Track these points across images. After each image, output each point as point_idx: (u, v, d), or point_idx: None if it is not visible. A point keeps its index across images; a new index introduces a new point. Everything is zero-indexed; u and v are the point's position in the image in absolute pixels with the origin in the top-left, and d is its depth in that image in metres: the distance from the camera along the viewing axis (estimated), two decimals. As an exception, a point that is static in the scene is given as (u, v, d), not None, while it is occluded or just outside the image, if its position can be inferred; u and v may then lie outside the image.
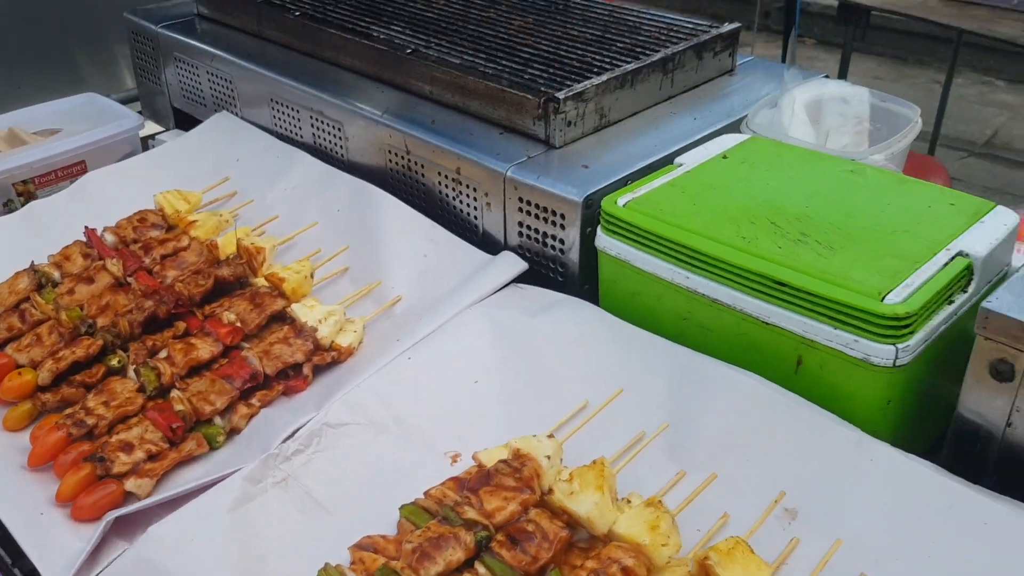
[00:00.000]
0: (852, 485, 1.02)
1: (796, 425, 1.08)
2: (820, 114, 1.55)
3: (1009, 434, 1.01)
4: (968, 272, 1.11)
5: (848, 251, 1.12)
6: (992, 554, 0.93)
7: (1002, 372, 0.98)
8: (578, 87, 1.43)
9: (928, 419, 1.16)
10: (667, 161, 1.38)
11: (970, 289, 1.11)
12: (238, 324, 1.31)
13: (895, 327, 1.02)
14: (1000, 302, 0.98)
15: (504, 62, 1.55)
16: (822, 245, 1.14)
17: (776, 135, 1.45)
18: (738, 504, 1.04)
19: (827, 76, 1.65)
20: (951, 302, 1.09)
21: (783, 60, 4.26)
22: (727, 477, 1.07)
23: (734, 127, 1.50)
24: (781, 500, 1.02)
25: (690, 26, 1.67)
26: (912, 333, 1.03)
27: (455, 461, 1.15)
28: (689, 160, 1.36)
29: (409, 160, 1.52)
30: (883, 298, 1.04)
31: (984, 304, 0.98)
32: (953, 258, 1.11)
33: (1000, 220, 1.17)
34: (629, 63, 1.51)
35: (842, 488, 1.02)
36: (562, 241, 1.35)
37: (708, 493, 1.06)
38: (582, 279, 1.36)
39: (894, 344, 1.03)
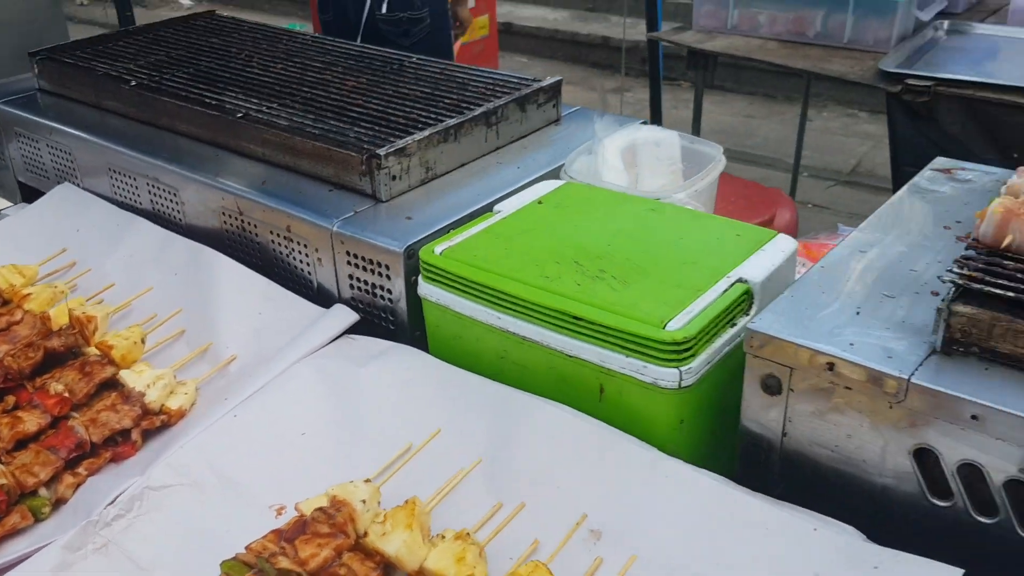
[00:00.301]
0: (649, 502, 1.08)
1: (600, 450, 1.14)
2: (635, 158, 1.66)
3: (786, 443, 1.09)
4: (748, 296, 1.20)
5: (640, 284, 1.21)
6: (772, 558, 1.01)
7: (771, 386, 1.07)
8: (400, 143, 1.49)
9: (732, 436, 1.24)
10: (489, 209, 1.46)
11: (752, 312, 1.20)
12: (66, 394, 1.32)
13: (676, 351, 1.10)
14: (763, 322, 1.07)
15: (333, 122, 1.61)
16: (617, 280, 1.22)
17: (591, 180, 1.55)
18: (548, 530, 1.09)
19: (645, 122, 1.76)
20: (734, 325, 1.18)
21: (651, 104, 4.47)
22: (539, 505, 1.12)
23: (556, 174, 1.59)
24: (583, 523, 1.08)
25: (515, 81, 1.76)
26: (693, 356, 1.12)
27: (280, 514, 1.17)
28: (506, 207, 1.43)
29: (243, 221, 1.56)
30: (665, 326, 1.12)
31: (749, 326, 1.07)
32: (733, 284, 1.20)
33: (779, 247, 1.28)
34: (453, 118, 1.59)
35: (641, 506, 1.09)
36: (389, 291, 1.40)
37: (520, 522, 1.11)
38: (412, 326, 1.41)
39: (677, 367, 1.11)
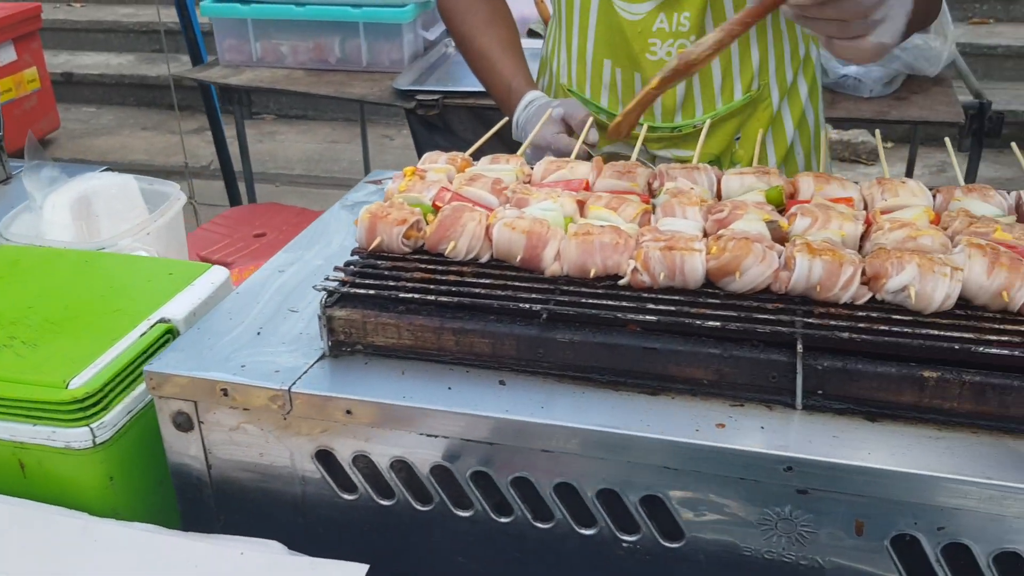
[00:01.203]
0: (80, 571, 1.03)
1: (24, 529, 1.06)
2: (91, 208, 1.58)
3: (213, 474, 1.09)
4: (172, 335, 1.19)
5: (52, 344, 1.14)
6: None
7: (181, 423, 1.06)
8: None
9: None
10: (-101, 291, 1.30)
11: (182, 350, 1.19)
12: None
13: (82, 409, 1.05)
14: (162, 362, 1.06)
15: None
16: (27, 345, 1.14)
17: (34, 240, 1.45)
18: (-37, 635, 0.99)
19: (107, 169, 1.69)
20: (159, 367, 1.16)
21: (214, 140, 4.35)
22: (-46, 610, 1.01)
23: (-6, 238, 1.47)
24: (-1, 616, 1.00)
25: (-58, 142, 1.60)
26: (105, 410, 1.08)
27: None
28: (-88, 286, 1.29)
29: None
30: (68, 384, 1.06)
31: (146, 368, 1.06)
32: (153, 326, 1.18)
33: (209, 279, 1.28)
34: None
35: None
36: None
37: (-70, 635, 0.99)
38: None
39: (87, 425, 1.06)
